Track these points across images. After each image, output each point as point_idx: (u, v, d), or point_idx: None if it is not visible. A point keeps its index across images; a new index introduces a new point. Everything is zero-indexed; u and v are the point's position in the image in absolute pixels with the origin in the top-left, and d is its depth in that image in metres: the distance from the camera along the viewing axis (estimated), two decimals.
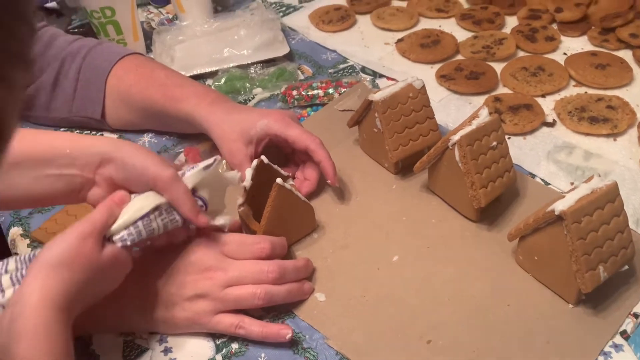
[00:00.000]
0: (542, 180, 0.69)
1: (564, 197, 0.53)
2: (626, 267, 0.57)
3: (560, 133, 0.75)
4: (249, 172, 0.60)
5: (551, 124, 0.77)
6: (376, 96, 0.66)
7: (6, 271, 0.48)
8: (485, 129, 0.61)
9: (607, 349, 0.53)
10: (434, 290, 0.58)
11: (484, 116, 0.62)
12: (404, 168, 0.70)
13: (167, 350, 0.55)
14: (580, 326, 0.54)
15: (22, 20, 0.23)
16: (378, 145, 0.69)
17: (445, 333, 0.54)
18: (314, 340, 0.55)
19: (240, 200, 0.61)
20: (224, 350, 0.55)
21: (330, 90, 0.82)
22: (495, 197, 0.62)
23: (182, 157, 0.75)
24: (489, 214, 0.64)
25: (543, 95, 0.81)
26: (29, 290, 0.44)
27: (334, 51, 0.94)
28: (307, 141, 0.65)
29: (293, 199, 0.60)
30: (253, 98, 0.86)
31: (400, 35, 0.95)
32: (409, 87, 0.67)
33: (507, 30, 0.95)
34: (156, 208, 0.51)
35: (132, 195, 0.52)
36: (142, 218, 0.50)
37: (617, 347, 0.53)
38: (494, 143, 0.62)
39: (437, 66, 0.88)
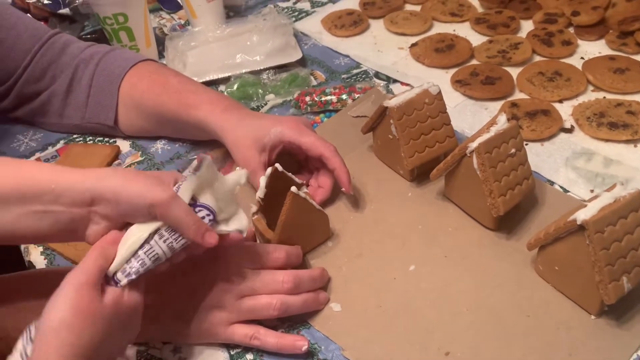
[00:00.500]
0: (561, 187, 0.68)
1: (585, 206, 0.52)
2: None
3: (579, 139, 0.74)
4: (263, 180, 0.60)
5: (569, 130, 0.75)
6: (391, 102, 0.65)
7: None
8: (504, 135, 0.60)
9: None
10: (451, 301, 0.57)
11: (502, 123, 0.61)
12: (419, 175, 0.69)
13: None
14: (603, 338, 0.53)
15: None
16: (393, 152, 0.68)
17: (464, 345, 0.53)
18: (330, 351, 0.54)
19: (254, 208, 0.60)
20: None
21: (344, 96, 0.81)
22: (514, 205, 0.61)
23: (194, 163, 0.75)
24: (508, 222, 0.63)
25: (560, 101, 0.80)
26: None
27: (347, 56, 0.93)
28: (321, 148, 0.64)
29: (307, 207, 0.59)
30: (266, 104, 0.85)
31: (414, 39, 0.94)
32: (424, 92, 0.66)
33: (522, 34, 0.94)
34: (155, 232, 0.47)
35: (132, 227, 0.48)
36: (142, 247, 0.46)
37: None
38: (513, 150, 0.60)
39: (452, 71, 0.87)
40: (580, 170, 0.69)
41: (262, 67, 0.89)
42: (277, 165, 0.61)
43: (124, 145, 0.80)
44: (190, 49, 0.95)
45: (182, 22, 1.09)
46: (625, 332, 0.53)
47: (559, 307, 0.55)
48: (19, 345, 0.43)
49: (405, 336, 0.54)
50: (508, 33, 0.93)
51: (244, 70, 0.89)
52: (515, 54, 0.88)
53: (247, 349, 0.55)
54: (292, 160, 0.70)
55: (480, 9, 1.01)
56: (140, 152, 0.79)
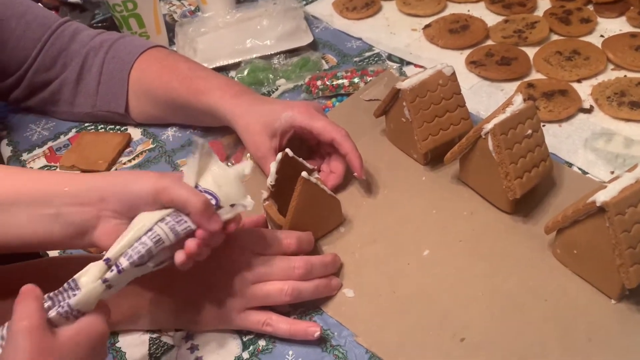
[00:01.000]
0: (580, 169, 0.66)
1: (605, 187, 0.50)
2: None
3: (598, 119, 0.72)
4: (273, 166, 0.59)
5: (588, 110, 0.73)
6: (404, 84, 0.63)
7: None
8: (520, 116, 0.58)
9: None
10: (466, 286, 0.56)
11: (518, 103, 0.59)
12: (433, 159, 0.68)
13: (193, 348, 0.54)
14: (623, 323, 0.51)
15: None
16: (406, 136, 0.67)
17: (480, 330, 0.52)
18: (343, 337, 0.53)
19: (265, 194, 0.59)
20: (251, 348, 0.53)
21: (356, 80, 0.80)
22: (531, 188, 0.59)
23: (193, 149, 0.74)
24: (524, 205, 0.61)
25: (579, 80, 0.78)
26: None
27: (359, 39, 0.92)
28: (332, 133, 0.63)
29: (319, 192, 0.58)
30: (277, 89, 0.84)
31: (427, 20, 0.92)
32: (438, 74, 0.64)
33: (539, 13, 0.91)
34: (161, 220, 0.46)
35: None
36: (145, 233, 0.46)
37: None
38: (529, 131, 0.59)
39: (467, 52, 0.85)
40: (600, 151, 0.67)
41: (272, 52, 0.88)
42: (288, 150, 0.60)
43: (135, 132, 0.80)
44: (200, 35, 0.94)
45: (192, 8, 1.08)
46: None
47: (577, 291, 0.54)
48: None
49: (419, 322, 0.53)
50: (524, 12, 0.91)
51: (254, 56, 0.88)
52: (532, 33, 0.85)
53: (260, 335, 0.54)
54: (304, 146, 0.69)
55: None
56: (151, 140, 0.78)
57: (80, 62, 0.78)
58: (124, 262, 0.45)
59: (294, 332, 0.52)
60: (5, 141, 0.82)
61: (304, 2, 1.03)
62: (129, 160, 0.76)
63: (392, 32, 0.92)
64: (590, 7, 0.90)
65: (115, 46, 0.78)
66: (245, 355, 0.53)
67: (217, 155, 0.72)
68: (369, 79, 0.80)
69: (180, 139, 0.78)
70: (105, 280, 0.44)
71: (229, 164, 0.72)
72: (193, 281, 0.53)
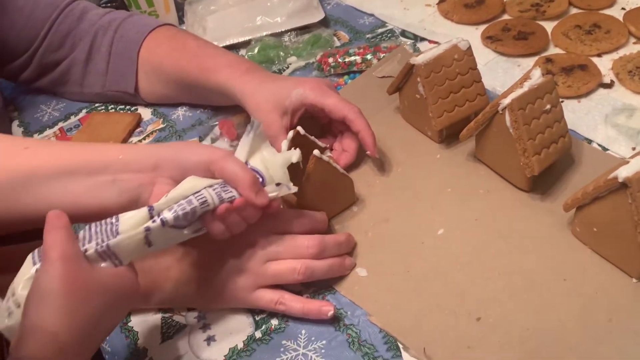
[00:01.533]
0: (600, 145, 0.64)
1: (628, 162, 0.48)
2: None
3: (619, 94, 0.69)
4: (284, 144, 0.58)
5: (609, 85, 0.71)
6: (418, 59, 0.62)
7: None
8: (538, 91, 0.56)
9: None
10: (483, 265, 0.54)
11: (537, 77, 0.57)
12: (448, 136, 0.66)
13: (205, 327, 0.54)
14: None
15: None
16: (420, 113, 0.65)
17: (496, 310, 0.51)
18: (356, 316, 0.53)
19: None
20: (264, 327, 0.53)
21: (369, 56, 0.78)
22: (549, 165, 0.57)
23: (216, 130, 0.73)
24: (542, 182, 0.60)
25: (599, 55, 0.75)
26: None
27: (372, 15, 0.90)
28: (344, 110, 0.62)
29: (331, 171, 0.57)
30: (287, 67, 0.83)
31: None
32: (453, 48, 0.62)
33: None
34: (209, 186, 0.48)
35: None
36: (193, 194, 0.47)
37: None
38: (548, 106, 0.57)
39: (483, 27, 0.83)
40: (621, 127, 0.65)
41: (283, 29, 0.86)
42: (300, 128, 0.58)
43: (146, 112, 0.79)
44: (209, 14, 0.93)
45: None
46: None
47: (597, 270, 0.52)
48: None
49: (434, 301, 0.52)
50: None
51: (264, 33, 0.86)
52: (550, 7, 0.83)
53: (272, 314, 0.54)
54: (315, 124, 0.68)
55: None
56: (161, 119, 0.78)
57: (89, 41, 0.77)
58: (167, 215, 0.45)
59: (307, 311, 0.52)
60: (16, 122, 0.82)
61: None
62: (140, 141, 0.75)
63: (405, 7, 0.90)
64: None
65: (124, 25, 0.77)
66: (258, 334, 0.53)
67: (228, 135, 0.72)
68: (382, 55, 0.78)
69: (190, 118, 0.77)
70: (147, 229, 0.44)
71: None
72: (205, 259, 0.53)
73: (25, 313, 0.40)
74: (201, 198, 0.46)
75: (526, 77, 0.58)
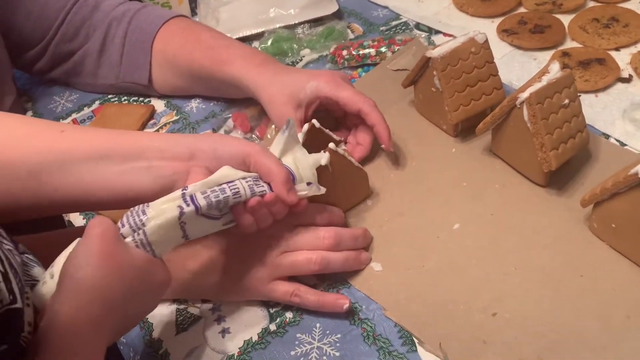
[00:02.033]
0: (618, 141, 0.63)
1: None
2: None
3: (638, 89, 0.69)
4: (300, 138, 0.57)
5: (627, 80, 0.70)
6: (435, 52, 0.61)
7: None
8: (557, 85, 0.56)
9: None
10: (498, 260, 0.54)
11: (555, 71, 0.57)
12: (463, 130, 0.66)
13: (220, 319, 0.54)
14: None
15: None
16: (436, 106, 0.65)
17: (512, 305, 0.51)
18: (371, 310, 0.52)
19: None
20: (278, 320, 0.53)
21: (383, 49, 0.77)
22: (567, 160, 0.57)
23: (230, 122, 0.73)
24: (559, 178, 0.59)
25: (617, 49, 0.74)
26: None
27: (386, 7, 0.89)
28: (359, 103, 0.62)
29: (346, 164, 0.57)
30: (301, 60, 0.82)
31: None
32: (470, 41, 0.62)
33: None
34: (242, 178, 0.48)
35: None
36: (227, 182, 0.47)
37: None
38: (566, 101, 0.56)
39: (498, 20, 0.82)
40: (639, 122, 0.65)
41: (296, 21, 0.86)
42: (314, 121, 0.58)
43: (159, 104, 0.79)
44: (222, 5, 0.92)
45: None
46: None
47: (615, 267, 0.52)
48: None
49: (449, 296, 0.52)
50: None
51: (277, 25, 0.86)
52: (567, 0, 0.82)
53: (287, 307, 0.54)
54: (330, 117, 0.67)
55: None
56: (175, 111, 0.78)
57: (103, 32, 0.77)
58: (201, 201, 0.45)
59: (322, 304, 0.51)
60: (30, 113, 0.82)
61: None
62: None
63: (420, 0, 0.89)
64: None
65: (138, 16, 0.77)
66: (273, 327, 0.53)
67: (241, 128, 0.72)
68: (396, 48, 0.77)
69: (204, 110, 0.77)
70: (182, 212, 0.44)
71: (254, 135, 0.71)
72: (222, 251, 0.53)
73: (61, 282, 0.40)
74: (234, 188, 0.47)
75: (544, 71, 0.57)
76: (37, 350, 0.36)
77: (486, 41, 0.63)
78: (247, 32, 0.87)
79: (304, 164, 0.52)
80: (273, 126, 0.68)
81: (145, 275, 0.43)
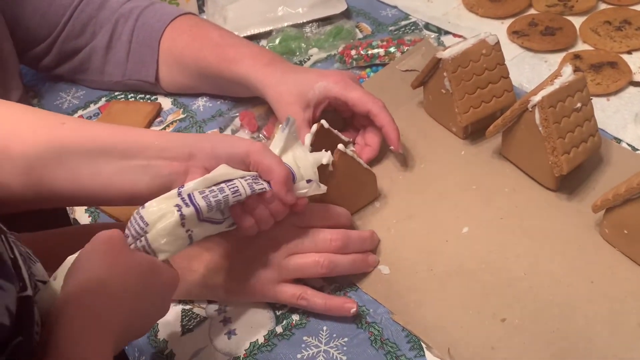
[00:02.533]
0: (630, 145, 0.63)
1: None
2: None
3: None
4: (308, 138, 0.57)
5: (639, 84, 0.69)
6: (445, 53, 0.60)
7: None
8: (569, 88, 0.55)
9: None
10: (508, 265, 0.54)
11: (568, 74, 0.56)
12: (473, 132, 0.65)
13: (226, 321, 0.54)
14: None
15: None
16: (446, 108, 0.64)
17: (521, 311, 0.50)
18: (379, 314, 0.52)
19: None
20: (285, 322, 0.53)
21: (392, 49, 0.77)
22: (579, 164, 0.56)
23: (237, 121, 0.73)
24: (570, 182, 0.59)
25: (629, 52, 0.73)
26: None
27: (395, 7, 0.88)
28: (369, 104, 0.61)
29: (354, 165, 0.57)
30: (309, 59, 0.82)
31: None
32: (481, 43, 0.61)
33: None
34: (241, 177, 0.47)
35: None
36: (225, 182, 0.46)
37: None
38: (579, 104, 0.56)
39: (508, 21, 0.81)
40: None
41: (305, 20, 0.85)
42: (323, 121, 0.58)
43: (166, 102, 0.79)
44: (230, 3, 0.92)
45: None
46: None
47: (627, 273, 0.51)
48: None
49: (458, 301, 0.52)
50: None
51: (286, 24, 0.85)
52: (579, 2, 0.81)
53: (293, 309, 0.53)
54: (338, 117, 0.67)
55: None
56: (181, 110, 0.77)
57: (109, 29, 0.76)
58: (199, 200, 0.44)
59: (329, 307, 0.51)
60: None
61: None
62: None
63: (429, 0, 0.88)
64: None
65: (145, 13, 0.76)
66: (279, 329, 0.52)
67: (249, 127, 0.71)
68: (405, 48, 0.77)
69: (211, 109, 0.76)
70: (182, 216, 0.43)
71: (261, 135, 0.71)
72: (228, 253, 0.52)
73: (65, 284, 0.40)
74: (233, 187, 0.46)
75: (557, 74, 0.57)
76: (44, 352, 0.35)
77: (497, 43, 0.62)
78: (255, 31, 0.86)
79: (305, 162, 0.52)
80: (280, 126, 0.68)
81: (152, 276, 0.43)
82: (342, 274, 0.53)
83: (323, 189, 0.52)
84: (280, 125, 0.52)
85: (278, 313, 0.53)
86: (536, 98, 0.54)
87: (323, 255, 0.51)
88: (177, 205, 0.44)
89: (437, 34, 0.82)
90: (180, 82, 0.77)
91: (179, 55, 0.74)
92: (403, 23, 0.85)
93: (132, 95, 0.80)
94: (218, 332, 0.53)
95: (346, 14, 0.87)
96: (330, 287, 0.54)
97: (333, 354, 0.50)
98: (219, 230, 0.47)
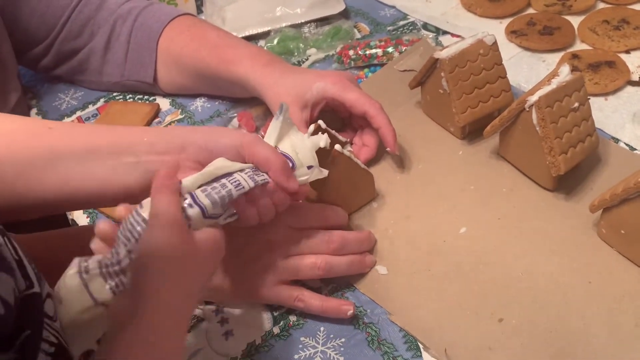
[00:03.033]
0: (627, 145, 0.63)
1: None
2: None
3: None
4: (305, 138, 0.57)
5: (638, 83, 0.69)
6: (443, 53, 0.60)
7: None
8: (567, 88, 0.55)
9: None
10: (505, 265, 0.53)
11: (565, 74, 0.56)
12: (471, 133, 0.65)
13: (223, 322, 0.54)
14: None
15: None
16: (443, 108, 0.64)
17: (519, 311, 0.50)
18: (376, 315, 0.52)
19: None
20: (282, 323, 0.53)
21: (390, 49, 0.77)
22: (576, 164, 0.56)
23: (235, 121, 0.73)
24: (567, 182, 0.58)
25: (627, 51, 0.73)
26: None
27: (393, 7, 0.88)
28: (365, 106, 0.61)
29: (352, 166, 0.57)
30: (307, 59, 0.82)
31: None
32: (479, 43, 0.61)
33: None
34: (240, 170, 0.46)
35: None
36: (224, 176, 0.45)
37: None
38: (576, 104, 0.56)
39: (507, 21, 0.81)
40: None
41: (303, 20, 0.85)
42: (320, 122, 0.58)
43: (164, 103, 0.79)
44: (228, 4, 0.92)
45: None
46: None
47: (624, 273, 0.51)
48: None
49: (455, 301, 0.52)
50: None
51: (284, 24, 0.85)
52: (577, 1, 0.81)
53: (290, 310, 0.53)
54: (336, 117, 0.67)
55: None
56: (180, 110, 0.77)
57: (108, 30, 0.76)
58: (203, 199, 0.43)
59: (326, 309, 0.51)
60: (34, 110, 0.82)
61: None
62: None
63: (427, 0, 0.88)
64: None
65: (144, 14, 0.76)
66: (276, 330, 0.52)
67: (247, 127, 0.71)
68: (403, 48, 0.77)
69: (209, 109, 0.76)
70: (187, 217, 0.43)
71: (259, 135, 0.71)
72: (226, 254, 0.52)
73: (135, 278, 0.40)
74: (235, 181, 0.45)
75: (554, 73, 0.57)
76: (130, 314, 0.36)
77: (495, 43, 0.62)
78: (253, 31, 0.86)
79: (303, 148, 0.51)
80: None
81: (204, 260, 0.43)
82: (339, 275, 0.53)
83: (324, 173, 0.51)
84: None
85: (275, 314, 0.53)
86: (533, 98, 0.54)
87: (320, 256, 0.51)
88: (183, 207, 0.43)
89: (435, 34, 0.82)
90: (179, 83, 0.77)
91: (177, 56, 0.74)
92: (401, 23, 0.85)
93: (130, 96, 0.81)
94: (215, 333, 0.53)
95: (344, 14, 0.87)
96: (328, 287, 0.54)
97: (330, 354, 0.50)
98: (218, 224, 0.46)
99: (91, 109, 0.80)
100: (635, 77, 0.70)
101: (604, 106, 0.67)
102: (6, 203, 0.48)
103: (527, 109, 0.55)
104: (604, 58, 0.71)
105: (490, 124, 0.59)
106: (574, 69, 0.70)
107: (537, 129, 0.55)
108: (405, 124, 0.67)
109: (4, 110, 0.74)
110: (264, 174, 0.47)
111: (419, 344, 0.49)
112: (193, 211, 0.43)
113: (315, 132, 0.57)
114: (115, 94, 0.81)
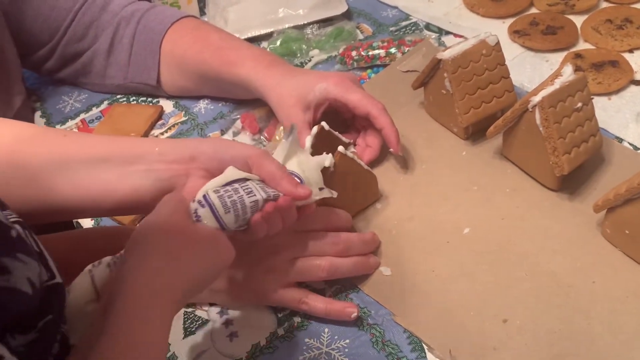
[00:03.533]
0: (631, 144, 0.63)
1: None
2: None
3: None
4: (308, 140, 0.57)
5: None
6: (445, 54, 0.60)
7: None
8: (570, 88, 0.55)
9: None
10: (509, 266, 0.54)
11: (568, 74, 0.56)
12: (474, 133, 0.65)
13: (228, 323, 0.54)
14: None
15: None
16: (446, 109, 0.64)
17: (523, 312, 0.50)
18: (380, 316, 0.52)
19: None
20: (286, 324, 0.53)
21: (393, 50, 0.77)
22: (580, 164, 0.56)
23: (238, 123, 0.73)
24: (571, 182, 0.58)
25: (631, 51, 0.73)
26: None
27: (395, 7, 0.88)
28: (368, 107, 0.61)
29: (355, 167, 0.57)
30: (310, 60, 0.82)
31: None
32: (482, 43, 0.61)
33: None
34: (248, 179, 0.47)
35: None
36: (236, 181, 0.46)
37: None
38: (579, 104, 0.56)
39: (510, 21, 0.81)
40: None
41: (305, 22, 0.85)
42: (323, 123, 0.58)
43: (167, 105, 0.79)
44: (231, 5, 0.92)
45: None
46: None
47: (628, 273, 0.51)
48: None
49: (459, 302, 0.52)
50: None
51: (286, 25, 0.85)
52: (580, 0, 0.81)
53: (295, 311, 0.53)
54: (339, 119, 0.67)
55: None
56: (183, 112, 0.77)
57: (111, 32, 0.77)
58: (214, 199, 0.44)
59: (330, 312, 0.51)
60: (38, 113, 0.82)
61: None
62: (162, 133, 0.75)
63: (430, 0, 0.88)
64: None
65: (147, 16, 0.77)
66: (281, 331, 0.52)
67: (250, 129, 0.72)
68: (406, 49, 0.77)
69: (212, 111, 0.76)
70: (197, 216, 0.43)
71: (262, 137, 0.71)
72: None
73: (128, 256, 0.40)
74: (247, 188, 0.45)
75: (557, 73, 0.57)
76: (109, 309, 0.36)
77: (497, 43, 0.62)
78: (256, 33, 0.86)
79: (309, 166, 0.52)
80: (281, 127, 0.68)
81: (212, 248, 0.43)
82: (343, 276, 0.53)
83: (334, 194, 0.52)
84: (284, 134, 0.52)
85: (280, 315, 0.54)
86: (536, 98, 0.54)
87: (324, 258, 0.52)
88: (194, 210, 0.44)
89: (438, 34, 0.82)
90: (182, 85, 0.77)
91: (181, 58, 0.74)
92: (404, 23, 0.85)
93: (134, 98, 0.81)
94: (220, 335, 0.53)
95: (347, 15, 0.87)
96: (332, 289, 0.54)
97: (335, 355, 0.50)
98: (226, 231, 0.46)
99: (95, 111, 0.80)
100: (638, 77, 0.69)
101: (608, 106, 0.67)
102: (16, 207, 0.48)
103: (531, 109, 0.55)
104: (607, 57, 0.71)
105: (493, 124, 0.59)
106: (577, 69, 0.70)
107: (541, 129, 0.55)
108: (408, 124, 0.67)
109: (9, 113, 0.74)
110: (274, 189, 0.47)
111: (423, 344, 0.50)
112: (203, 210, 0.44)
113: (318, 134, 0.57)
114: (118, 96, 0.81)
